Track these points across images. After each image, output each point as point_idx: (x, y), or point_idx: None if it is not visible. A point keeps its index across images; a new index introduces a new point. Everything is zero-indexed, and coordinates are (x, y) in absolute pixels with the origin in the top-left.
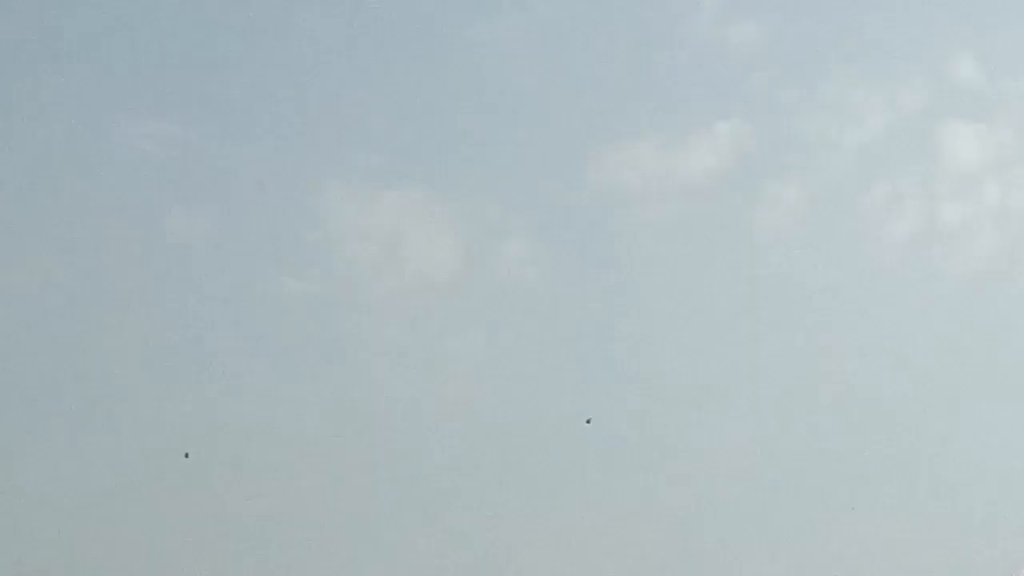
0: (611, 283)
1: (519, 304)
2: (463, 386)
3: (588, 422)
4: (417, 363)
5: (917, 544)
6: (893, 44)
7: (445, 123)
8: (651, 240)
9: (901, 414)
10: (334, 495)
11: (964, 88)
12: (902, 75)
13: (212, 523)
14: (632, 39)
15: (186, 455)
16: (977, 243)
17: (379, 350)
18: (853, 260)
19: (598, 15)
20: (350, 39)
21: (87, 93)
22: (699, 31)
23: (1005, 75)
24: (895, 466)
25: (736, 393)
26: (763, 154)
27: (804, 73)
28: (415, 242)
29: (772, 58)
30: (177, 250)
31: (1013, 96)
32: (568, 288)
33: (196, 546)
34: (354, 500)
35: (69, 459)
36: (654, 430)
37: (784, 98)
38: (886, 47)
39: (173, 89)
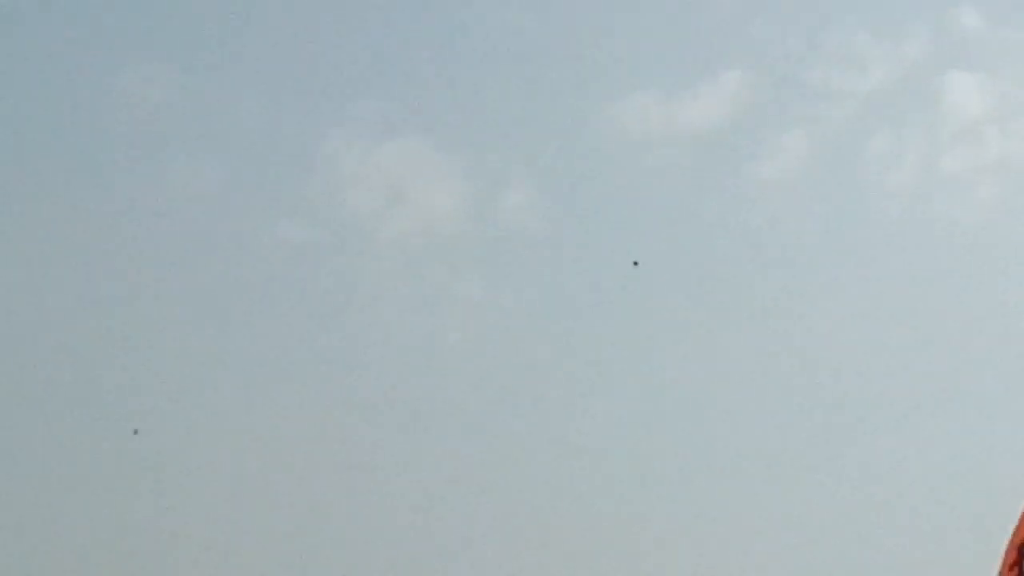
0: (613, 231)
1: (522, 252)
2: (466, 333)
3: (635, 264)
4: (420, 311)
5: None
6: None
7: (448, 72)
8: (654, 188)
9: (900, 363)
10: (335, 440)
11: (967, 37)
12: (905, 25)
13: (218, 458)
14: None
15: (135, 431)
16: (978, 193)
17: (382, 298)
18: (854, 209)
19: None
20: None
21: (86, 39)
22: None
23: (1008, 24)
24: (893, 415)
25: (736, 337)
26: (766, 103)
27: (808, 22)
28: (418, 190)
29: (776, 7)
30: (178, 198)
31: (1016, 45)
32: (571, 236)
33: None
34: (356, 445)
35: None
36: (655, 373)
37: (788, 47)
38: None
39: (174, 36)
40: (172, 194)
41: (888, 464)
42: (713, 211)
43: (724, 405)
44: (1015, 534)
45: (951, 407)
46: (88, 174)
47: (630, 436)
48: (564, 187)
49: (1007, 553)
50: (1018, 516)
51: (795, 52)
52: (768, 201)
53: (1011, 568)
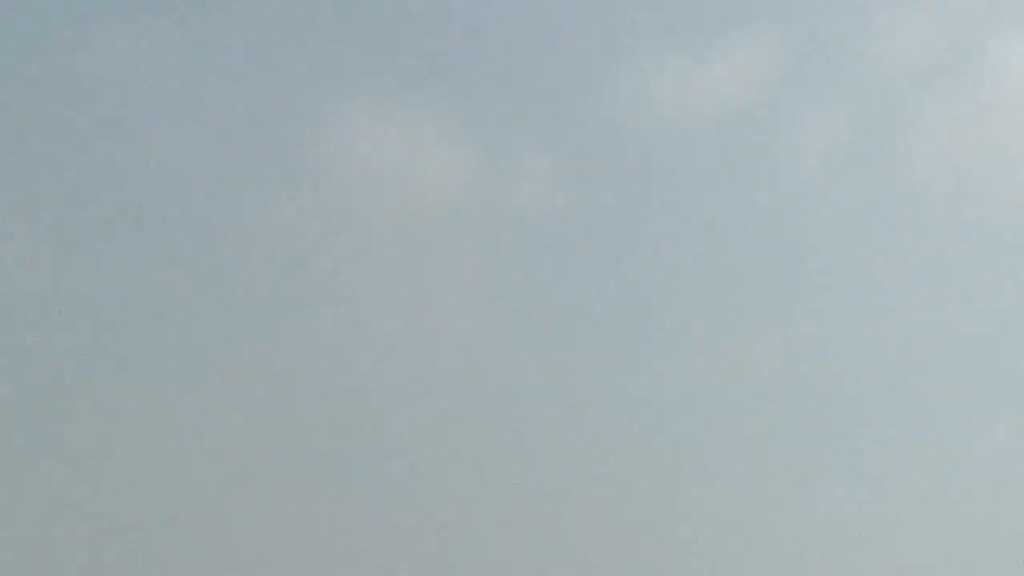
0: (628, 208)
1: (534, 233)
2: (469, 310)
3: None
4: (423, 286)
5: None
6: None
7: (454, 43)
8: (674, 166)
9: (950, 347)
10: (332, 421)
11: None
12: None
13: (206, 450)
14: None
15: None
16: None
17: (384, 273)
18: (896, 186)
19: None
20: None
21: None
22: None
23: None
24: (940, 395)
25: (765, 321)
26: (801, 73)
27: None
28: (422, 167)
29: None
30: (170, 175)
31: None
32: (588, 215)
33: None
34: (352, 427)
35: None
36: (668, 359)
37: (825, 14)
38: None
39: (164, 5)
40: (160, 172)
41: (925, 461)
42: (739, 186)
43: (751, 391)
44: None
45: (1002, 406)
46: (70, 147)
47: (642, 431)
48: (580, 161)
49: None
50: None
51: (833, 19)
52: (801, 178)
53: None
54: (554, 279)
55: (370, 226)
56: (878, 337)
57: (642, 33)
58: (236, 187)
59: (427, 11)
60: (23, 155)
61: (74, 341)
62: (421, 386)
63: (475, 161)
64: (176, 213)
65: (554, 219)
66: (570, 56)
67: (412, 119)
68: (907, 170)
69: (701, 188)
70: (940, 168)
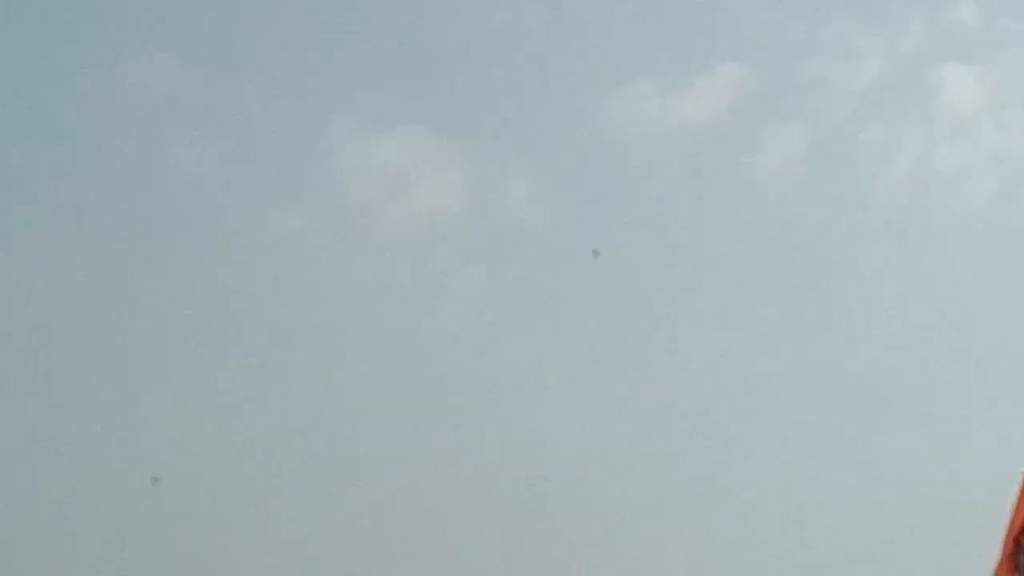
0: (612, 223)
1: (521, 243)
2: (464, 324)
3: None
4: (419, 301)
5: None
6: None
7: (449, 63)
8: (653, 181)
9: (895, 358)
10: (332, 430)
11: (963, 30)
12: (901, 17)
13: (211, 454)
14: None
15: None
16: (973, 186)
17: (381, 288)
18: (849, 202)
19: None
20: None
21: (85, 28)
22: None
23: (1004, 16)
24: (887, 410)
25: (734, 329)
26: (764, 96)
27: (805, 16)
28: (418, 181)
29: (773, 1)
30: (180, 188)
31: (1012, 38)
32: (570, 228)
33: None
34: (353, 435)
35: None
36: (655, 366)
37: (785, 41)
38: None
39: (175, 26)
40: (169, 185)
41: (886, 461)
42: (711, 201)
43: (723, 400)
44: (1011, 524)
45: (945, 402)
46: (85, 166)
47: (631, 431)
48: (562, 179)
49: (1004, 544)
50: (1012, 506)
51: (792, 45)
52: (765, 195)
53: (1009, 558)
54: (540, 286)
55: (371, 239)
56: (831, 340)
57: (623, 67)
58: (242, 205)
59: (421, 45)
60: (47, 173)
61: (86, 332)
62: (420, 384)
63: (465, 180)
64: (186, 232)
65: (539, 232)
66: (554, 85)
67: (406, 143)
68: (856, 186)
69: (673, 203)
70: (887, 185)
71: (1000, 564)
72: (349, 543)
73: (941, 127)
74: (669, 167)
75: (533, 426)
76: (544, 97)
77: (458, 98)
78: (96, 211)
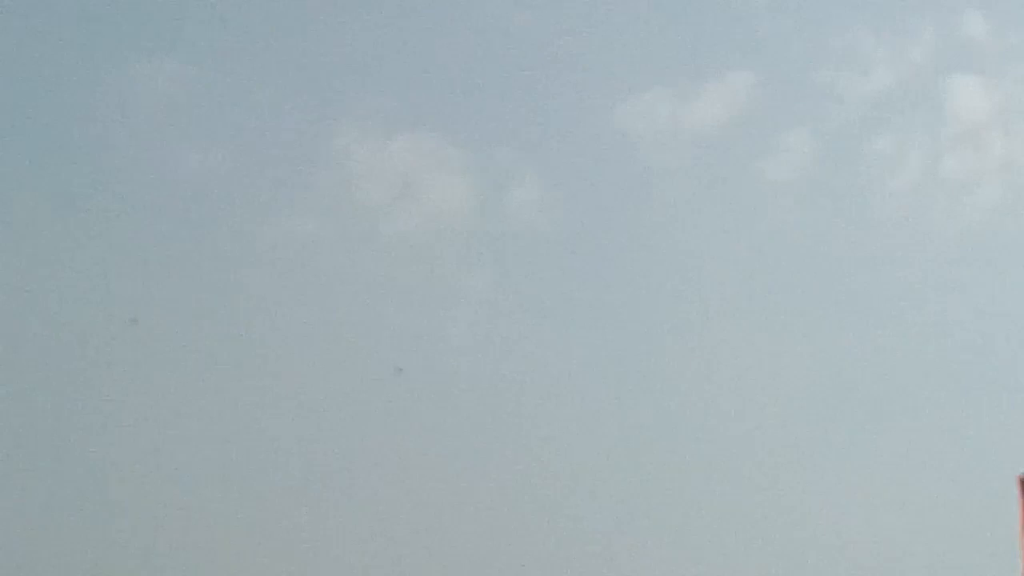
0: (621, 228)
1: (529, 248)
2: (472, 327)
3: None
4: (427, 304)
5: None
6: None
7: (459, 67)
8: (662, 187)
9: (901, 365)
10: (339, 430)
11: (971, 41)
12: (910, 27)
13: (215, 454)
14: None
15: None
16: (980, 196)
17: (390, 290)
18: (857, 211)
19: None
20: None
21: (91, 31)
22: None
23: (1012, 27)
24: (892, 415)
25: (742, 336)
26: (774, 104)
27: (815, 25)
28: (426, 185)
29: (783, 9)
30: (191, 190)
31: (1019, 48)
32: (578, 233)
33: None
34: (361, 438)
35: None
36: (661, 366)
37: (795, 49)
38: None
39: (184, 29)
40: (179, 187)
41: (889, 465)
42: (720, 209)
43: (728, 404)
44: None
45: (949, 407)
46: (93, 167)
47: (638, 432)
48: (571, 184)
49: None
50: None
51: (802, 54)
52: (773, 201)
53: None
54: (547, 290)
55: (379, 242)
56: (840, 343)
57: (634, 74)
58: (251, 207)
59: (430, 49)
60: (54, 174)
61: (91, 333)
62: (428, 386)
63: (474, 184)
64: (196, 233)
65: (546, 236)
66: (563, 91)
67: (415, 146)
68: (864, 193)
69: (683, 209)
70: (895, 192)
71: None
72: (356, 544)
73: (949, 136)
74: (679, 173)
75: (540, 428)
76: (554, 103)
77: (468, 103)
78: (106, 211)
